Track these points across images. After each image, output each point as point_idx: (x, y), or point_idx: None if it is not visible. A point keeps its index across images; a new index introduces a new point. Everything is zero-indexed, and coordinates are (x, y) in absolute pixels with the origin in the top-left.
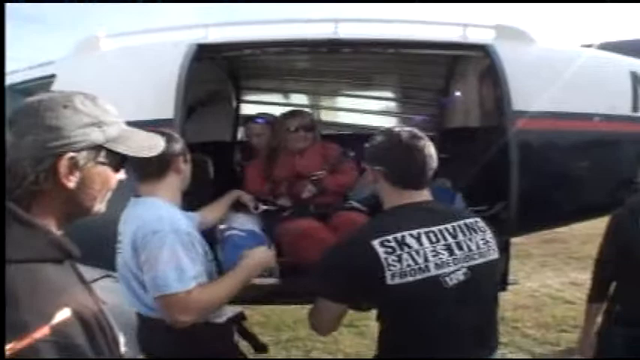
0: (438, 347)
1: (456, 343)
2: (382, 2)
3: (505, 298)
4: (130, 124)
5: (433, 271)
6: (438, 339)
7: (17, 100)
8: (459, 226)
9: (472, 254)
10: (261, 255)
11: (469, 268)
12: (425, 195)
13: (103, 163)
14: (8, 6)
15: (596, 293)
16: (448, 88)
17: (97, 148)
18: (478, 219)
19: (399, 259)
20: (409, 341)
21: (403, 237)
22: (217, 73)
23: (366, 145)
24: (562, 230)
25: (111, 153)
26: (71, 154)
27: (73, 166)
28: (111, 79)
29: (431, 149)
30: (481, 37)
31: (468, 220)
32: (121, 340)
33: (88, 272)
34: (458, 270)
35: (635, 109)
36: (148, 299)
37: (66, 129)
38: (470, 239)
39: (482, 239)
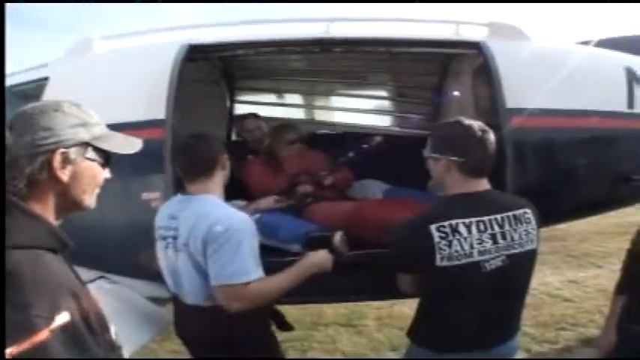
0: (470, 321)
1: (486, 319)
2: (375, 2)
3: None
4: (122, 125)
5: (476, 257)
6: (472, 315)
7: (14, 102)
8: (507, 217)
9: (513, 244)
10: (321, 256)
11: (508, 256)
12: (485, 184)
13: (90, 159)
14: (9, 8)
15: (624, 285)
16: (442, 86)
17: (84, 145)
18: (527, 210)
19: (450, 245)
20: (447, 313)
21: (457, 224)
22: (211, 73)
23: (433, 135)
24: (560, 228)
25: (96, 150)
26: (63, 149)
27: (65, 160)
28: (103, 81)
29: (494, 140)
30: (474, 35)
31: (516, 212)
32: (112, 328)
33: (83, 273)
34: (498, 257)
35: (630, 105)
36: (205, 289)
37: (57, 129)
38: (514, 230)
39: (525, 230)
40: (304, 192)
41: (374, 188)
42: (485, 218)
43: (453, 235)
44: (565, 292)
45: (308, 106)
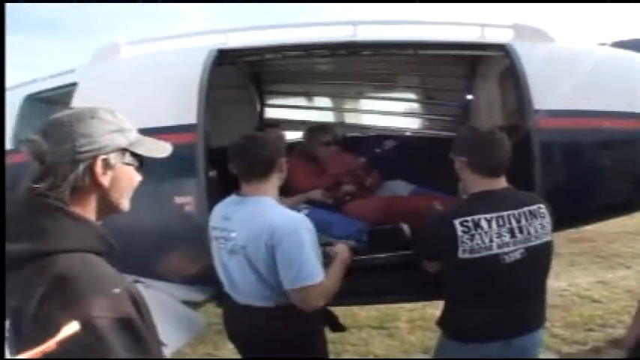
0: (492, 312)
1: (507, 311)
2: (400, 2)
3: None
4: (153, 129)
5: (495, 250)
6: (493, 306)
7: (39, 108)
8: (524, 213)
9: (530, 237)
10: (348, 250)
11: (526, 248)
12: (502, 182)
13: (128, 164)
14: (24, 13)
15: None
16: (470, 88)
17: (122, 150)
18: (542, 205)
19: (472, 238)
20: (470, 305)
21: (479, 219)
22: (240, 77)
23: (454, 139)
24: (589, 229)
25: (132, 155)
26: (103, 156)
27: (106, 166)
28: (133, 86)
29: (506, 144)
30: (500, 37)
31: (532, 207)
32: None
33: None
34: (516, 250)
35: None
36: (260, 291)
37: (96, 135)
38: (530, 224)
39: (540, 224)
40: (347, 191)
41: (399, 189)
42: (504, 213)
43: (475, 230)
44: (594, 293)
45: (337, 109)
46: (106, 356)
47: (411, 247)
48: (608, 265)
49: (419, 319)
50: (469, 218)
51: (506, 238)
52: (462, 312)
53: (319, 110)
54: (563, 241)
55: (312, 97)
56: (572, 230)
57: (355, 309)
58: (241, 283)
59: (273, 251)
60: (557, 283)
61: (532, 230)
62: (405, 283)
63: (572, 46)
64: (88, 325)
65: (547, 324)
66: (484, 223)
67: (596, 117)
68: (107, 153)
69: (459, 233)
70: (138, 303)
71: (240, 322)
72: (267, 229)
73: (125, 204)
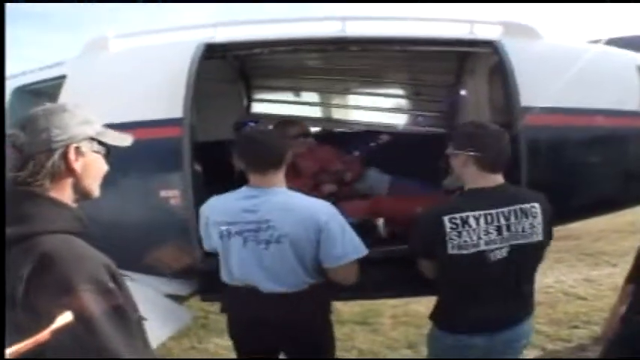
0: (479, 306)
1: (495, 305)
2: (389, 1)
3: None
4: (140, 123)
5: (482, 247)
6: (481, 300)
7: (28, 101)
8: (514, 211)
9: (517, 235)
10: None
11: (512, 246)
12: (499, 178)
13: (97, 152)
14: (13, 6)
15: (634, 275)
16: (458, 84)
17: (90, 139)
18: (535, 204)
19: (460, 235)
20: (459, 299)
21: (467, 217)
22: (228, 72)
23: (455, 134)
24: (574, 227)
25: (100, 144)
26: (75, 144)
27: (78, 153)
28: (121, 80)
29: (507, 139)
30: (489, 34)
31: (523, 205)
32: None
33: None
34: (502, 248)
35: None
36: (302, 275)
37: (68, 126)
38: (519, 222)
39: (530, 224)
40: (330, 191)
41: (378, 179)
42: (493, 211)
43: (463, 227)
44: (579, 291)
45: (325, 105)
46: (92, 325)
47: (408, 245)
48: (593, 263)
49: (402, 314)
50: (457, 215)
51: (494, 235)
52: (451, 306)
53: (307, 105)
54: None
55: (300, 93)
56: (559, 227)
57: (338, 304)
58: (278, 271)
59: (319, 235)
60: (543, 280)
61: (520, 229)
62: (388, 279)
63: (561, 43)
64: (74, 299)
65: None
66: (472, 221)
67: (584, 114)
68: (78, 141)
69: (448, 230)
70: (116, 277)
71: (267, 309)
72: (311, 213)
73: (96, 190)
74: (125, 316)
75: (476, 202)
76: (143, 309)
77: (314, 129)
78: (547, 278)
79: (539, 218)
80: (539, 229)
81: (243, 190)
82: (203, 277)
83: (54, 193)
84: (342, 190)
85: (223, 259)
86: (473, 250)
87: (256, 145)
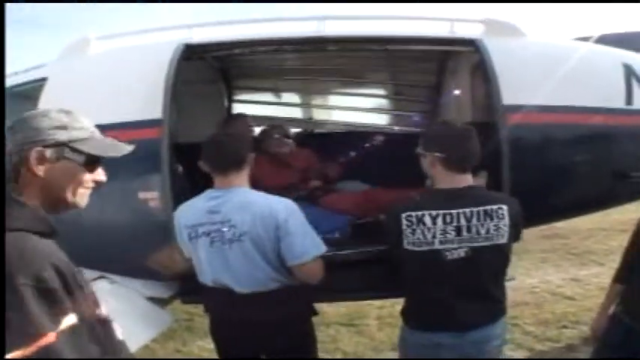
0: (439, 305)
1: (455, 305)
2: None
3: None
4: (119, 124)
5: (437, 246)
6: (440, 299)
7: (15, 102)
8: (477, 212)
9: (478, 237)
10: None
11: (471, 248)
12: (468, 179)
13: (67, 159)
14: (9, 8)
15: (621, 274)
16: (439, 84)
17: (62, 146)
18: (502, 206)
19: (413, 232)
20: (418, 295)
21: (423, 215)
22: (208, 72)
23: (423, 135)
24: (562, 226)
25: (77, 152)
26: (39, 148)
27: (41, 158)
28: (100, 81)
29: (477, 139)
30: (470, 32)
31: (488, 207)
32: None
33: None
34: (460, 248)
35: (628, 101)
36: (271, 272)
37: (40, 129)
38: (482, 224)
39: (495, 226)
40: (315, 185)
41: (355, 186)
42: (454, 212)
43: (417, 225)
44: (566, 290)
45: (305, 105)
46: (24, 315)
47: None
48: (581, 262)
49: (388, 316)
50: (413, 214)
51: (451, 235)
52: (413, 302)
53: (287, 106)
54: (535, 237)
55: (280, 93)
56: (544, 227)
57: (324, 306)
58: (245, 270)
59: (278, 232)
60: (529, 280)
61: (483, 231)
62: (374, 280)
63: (544, 40)
64: (13, 292)
65: (518, 321)
66: (428, 220)
67: (568, 112)
68: (45, 146)
69: (404, 227)
70: (67, 278)
71: (243, 309)
72: (270, 211)
73: (72, 199)
74: (59, 312)
75: (437, 201)
76: (123, 311)
77: (295, 130)
78: (532, 278)
79: (506, 220)
80: (504, 231)
81: (208, 192)
82: (184, 280)
83: (18, 193)
84: (326, 187)
85: (195, 260)
86: (426, 247)
87: (217, 148)
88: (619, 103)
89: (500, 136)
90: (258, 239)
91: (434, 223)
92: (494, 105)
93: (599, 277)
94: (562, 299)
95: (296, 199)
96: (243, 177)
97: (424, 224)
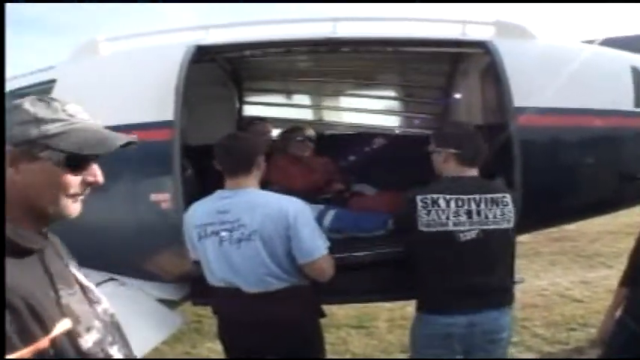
0: (450, 286)
1: (465, 286)
2: (381, 2)
3: None
4: (130, 126)
5: (450, 227)
6: (452, 280)
7: None
8: (485, 198)
9: (487, 221)
10: None
11: (482, 230)
12: (474, 172)
13: (41, 158)
14: (9, 9)
15: (628, 277)
16: (450, 85)
17: (33, 143)
18: (506, 195)
19: (428, 213)
20: (428, 272)
21: (437, 198)
22: (219, 74)
23: (435, 134)
24: (571, 228)
25: (55, 151)
26: (10, 147)
27: (14, 158)
28: (110, 83)
29: (482, 138)
30: (481, 34)
31: (494, 195)
32: (94, 334)
33: (92, 275)
34: (472, 230)
35: (637, 104)
36: (279, 272)
37: (9, 125)
38: (489, 209)
39: (501, 211)
40: (339, 189)
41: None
42: (465, 197)
43: (432, 206)
44: (575, 293)
45: (316, 107)
46: None
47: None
48: (589, 265)
49: (399, 318)
50: (428, 196)
51: (463, 218)
52: (428, 286)
53: (299, 108)
54: (545, 240)
55: (291, 95)
56: (554, 229)
57: (333, 308)
58: (253, 269)
59: (288, 231)
60: (538, 282)
61: (490, 215)
62: (384, 282)
63: (554, 43)
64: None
65: (527, 323)
66: (442, 202)
67: (578, 114)
68: (15, 145)
69: (419, 208)
70: (35, 309)
71: (251, 309)
72: (280, 211)
73: (56, 208)
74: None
75: (449, 186)
76: (134, 313)
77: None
78: (542, 281)
79: (510, 207)
80: (510, 216)
81: (218, 193)
82: (194, 282)
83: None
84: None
85: (204, 260)
86: (441, 228)
87: (227, 150)
88: (627, 105)
89: (510, 138)
90: (267, 239)
91: (447, 206)
92: (505, 107)
93: (608, 279)
94: (571, 302)
95: (323, 202)
96: (252, 179)
97: (439, 206)
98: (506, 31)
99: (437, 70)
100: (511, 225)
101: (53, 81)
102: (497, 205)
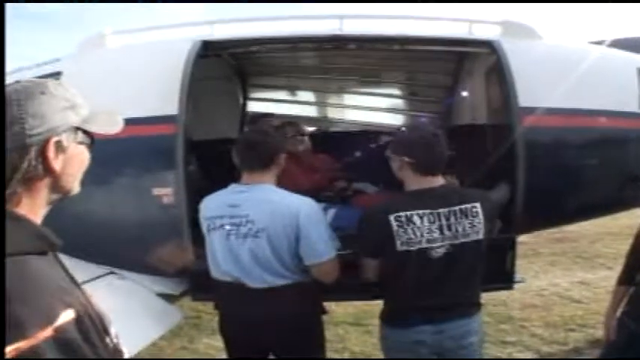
0: (421, 300)
1: (435, 299)
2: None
3: (513, 297)
4: (135, 120)
5: (424, 245)
6: (423, 294)
7: None
8: (454, 211)
9: (457, 235)
10: None
11: (452, 245)
12: (438, 180)
13: (81, 143)
14: (14, 5)
15: (626, 276)
16: (455, 85)
17: (75, 129)
18: (476, 204)
19: (405, 232)
20: (406, 291)
21: (412, 215)
22: (224, 70)
23: (393, 138)
24: (571, 229)
25: (85, 133)
26: (56, 137)
27: (59, 148)
28: (116, 76)
29: (444, 144)
30: (487, 34)
31: (463, 206)
32: (112, 331)
33: (92, 269)
34: (443, 246)
35: None
36: (282, 269)
37: (47, 114)
38: (459, 222)
39: (470, 223)
40: (343, 186)
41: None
42: (435, 211)
43: (408, 225)
44: (574, 293)
45: (321, 104)
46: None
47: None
48: (589, 266)
49: None
50: (402, 214)
51: (436, 234)
52: (394, 300)
53: (303, 104)
54: (544, 240)
55: (295, 91)
56: (554, 230)
57: (332, 305)
58: (256, 265)
59: (297, 231)
60: (537, 282)
61: (460, 228)
62: None
63: (560, 43)
64: (21, 337)
65: (526, 323)
66: (416, 219)
67: (583, 115)
68: (59, 134)
69: (395, 228)
70: (76, 307)
71: (253, 304)
72: (290, 210)
73: (76, 187)
74: (79, 353)
75: (419, 201)
76: (133, 307)
77: (310, 128)
78: (541, 281)
79: (480, 217)
80: (479, 227)
81: (233, 186)
82: (195, 276)
83: (23, 203)
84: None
85: (210, 252)
86: (417, 247)
87: (249, 146)
88: (632, 107)
89: (515, 138)
90: (275, 237)
91: (422, 223)
92: (511, 107)
93: (608, 280)
94: (570, 302)
95: (325, 200)
96: (269, 175)
97: (414, 223)
98: (513, 31)
99: (442, 69)
100: (480, 236)
101: (59, 73)
102: (467, 216)
